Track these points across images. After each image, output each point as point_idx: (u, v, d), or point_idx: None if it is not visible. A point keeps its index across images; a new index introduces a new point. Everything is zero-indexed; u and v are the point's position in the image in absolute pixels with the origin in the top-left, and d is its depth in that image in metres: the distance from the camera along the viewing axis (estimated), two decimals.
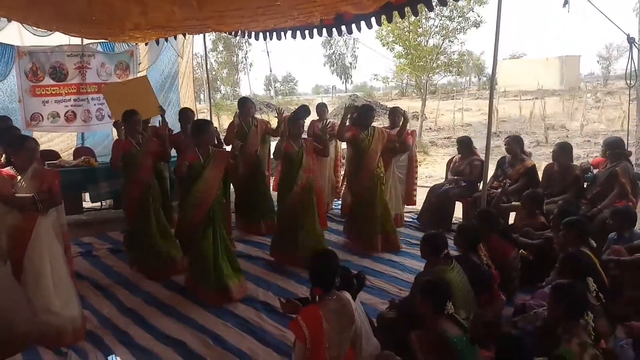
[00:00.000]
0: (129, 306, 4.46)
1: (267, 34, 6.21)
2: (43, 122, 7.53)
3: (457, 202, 6.50)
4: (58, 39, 7.22)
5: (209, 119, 7.66)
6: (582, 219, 4.26)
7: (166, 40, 7.16)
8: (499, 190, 5.72)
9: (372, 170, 5.58)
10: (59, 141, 8.03)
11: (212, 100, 10.84)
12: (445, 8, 15.20)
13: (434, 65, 16.99)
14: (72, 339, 3.75)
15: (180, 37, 7.45)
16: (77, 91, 7.77)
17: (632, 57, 5.58)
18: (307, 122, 7.46)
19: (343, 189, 7.05)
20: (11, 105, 7.20)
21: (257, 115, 7.15)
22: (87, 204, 7.29)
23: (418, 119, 18.24)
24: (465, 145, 6.58)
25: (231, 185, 5.65)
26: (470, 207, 6.12)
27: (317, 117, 7.33)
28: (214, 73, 38.20)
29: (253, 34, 6.37)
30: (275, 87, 35.15)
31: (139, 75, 8.08)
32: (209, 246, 4.45)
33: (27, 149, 3.63)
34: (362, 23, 4.91)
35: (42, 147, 5.63)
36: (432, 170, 12.14)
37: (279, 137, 5.36)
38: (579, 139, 15.58)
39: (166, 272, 5.03)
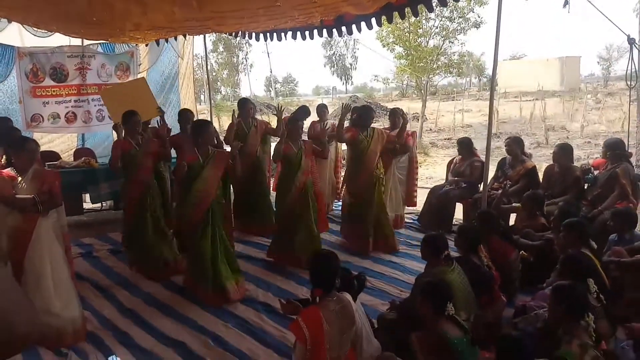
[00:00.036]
0: (129, 307, 4.46)
1: (268, 34, 6.21)
2: (43, 123, 7.53)
3: (457, 204, 6.50)
4: (58, 39, 7.22)
5: (209, 119, 7.66)
6: (582, 220, 4.26)
7: (166, 41, 7.16)
8: (500, 191, 5.72)
9: (371, 171, 5.58)
10: (59, 142, 8.03)
11: (212, 101, 10.84)
12: (445, 9, 15.23)
13: (434, 66, 17.01)
14: (72, 339, 3.76)
15: (180, 38, 7.45)
16: (78, 92, 7.76)
17: (632, 58, 5.58)
18: (308, 123, 7.48)
19: (343, 190, 7.05)
20: (12, 106, 7.20)
21: (258, 116, 7.15)
22: (87, 204, 7.29)
23: (418, 120, 18.24)
24: (465, 146, 6.58)
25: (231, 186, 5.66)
26: (470, 209, 6.12)
27: (318, 118, 7.35)
28: (214, 74, 38.24)
29: (253, 34, 6.37)
30: (275, 88, 35.19)
31: (139, 76, 8.08)
32: (208, 246, 4.45)
33: (27, 150, 3.63)
34: (363, 24, 4.91)
35: (42, 148, 5.64)
36: (432, 172, 12.14)
37: (279, 137, 5.36)
38: (580, 140, 15.58)
39: (164, 273, 5.04)
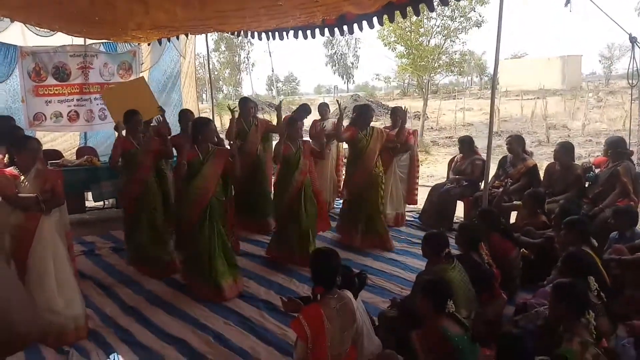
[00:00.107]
0: (131, 305, 4.48)
1: (269, 34, 6.23)
2: (46, 122, 7.56)
3: (458, 202, 6.51)
4: (61, 39, 7.25)
5: (211, 118, 7.68)
6: (583, 218, 4.27)
7: (169, 40, 7.18)
8: (501, 189, 5.73)
9: (370, 170, 5.59)
10: (61, 141, 8.06)
11: (214, 100, 10.86)
12: (446, 8, 15.24)
13: (435, 65, 17.02)
14: (74, 337, 3.77)
15: (182, 37, 7.47)
16: (80, 91, 7.79)
17: (634, 57, 5.57)
18: (309, 121, 7.50)
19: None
20: (14, 105, 7.24)
21: (260, 115, 7.17)
22: (89, 203, 7.32)
23: (420, 118, 18.23)
24: (466, 144, 6.58)
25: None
26: (471, 207, 6.12)
27: (319, 117, 7.36)
28: (216, 73, 38.33)
29: (255, 34, 6.39)
30: (277, 87, 35.17)
31: (141, 75, 8.10)
32: (205, 242, 4.48)
33: (30, 149, 3.64)
34: (364, 23, 4.92)
35: (45, 147, 5.65)
36: (433, 170, 12.14)
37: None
38: (581, 138, 15.57)
39: (163, 271, 5.06)
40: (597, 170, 5.47)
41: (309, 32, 5.77)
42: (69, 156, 7.54)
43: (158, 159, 5.43)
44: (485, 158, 5.31)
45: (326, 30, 5.53)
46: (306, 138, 5.88)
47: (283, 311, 3.62)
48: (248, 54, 42.10)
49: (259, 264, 5.38)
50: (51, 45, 7.39)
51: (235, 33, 6.95)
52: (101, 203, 7.52)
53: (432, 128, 20.67)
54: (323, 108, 7.44)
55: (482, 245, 3.98)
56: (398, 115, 6.34)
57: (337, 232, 6.07)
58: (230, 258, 4.66)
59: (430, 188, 6.85)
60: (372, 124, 5.75)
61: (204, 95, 27.89)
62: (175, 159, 5.35)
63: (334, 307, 2.85)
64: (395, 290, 4.63)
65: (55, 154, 7.27)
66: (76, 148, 8.01)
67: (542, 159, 10.84)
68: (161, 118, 5.87)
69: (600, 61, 50.11)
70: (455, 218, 6.49)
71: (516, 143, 6.06)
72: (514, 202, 5.63)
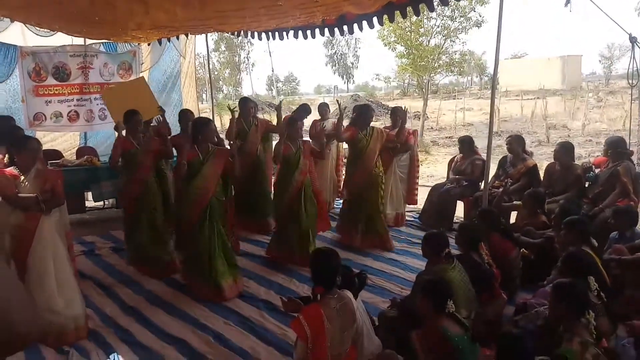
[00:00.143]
0: (131, 305, 4.47)
1: (269, 34, 6.23)
2: (46, 122, 7.56)
3: (458, 202, 6.51)
4: (61, 39, 7.25)
5: (210, 118, 7.68)
6: (583, 218, 4.27)
7: (169, 40, 7.18)
8: (501, 189, 5.73)
9: (370, 170, 5.59)
10: (61, 141, 8.06)
11: (214, 100, 10.86)
12: (446, 8, 15.24)
13: (435, 65, 17.03)
14: (74, 337, 3.77)
15: (182, 37, 7.47)
16: (80, 91, 7.79)
17: (634, 57, 5.57)
18: (309, 121, 7.49)
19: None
20: (14, 105, 7.24)
21: (260, 115, 7.17)
22: (89, 203, 7.32)
23: (420, 118, 18.24)
24: (466, 144, 6.58)
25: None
26: (471, 207, 6.12)
27: (320, 117, 7.36)
28: (216, 73, 38.32)
29: (255, 34, 6.39)
30: (277, 87, 35.17)
31: (141, 75, 8.10)
32: (205, 242, 4.48)
33: (29, 149, 3.64)
34: (364, 23, 4.92)
35: (45, 147, 5.65)
36: (433, 170, 12.14)
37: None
38: (581, 138, 15.57)
39: (163, 271, 5.06)
40: (597, 170, 5.47)
41: (309, 32, 5.77)
42: (69, 156, 7.54)
43: (158, 159, 5.43)
44: (485, 158, 5.31)
45: (326, 30, 5.53)
46: (306, 138, 5.88)
47: (283, 311, 3.62)
48: (248, 54, 42.14)
49: (259, 264, 5.38)
50: (51, 45, 7.39)
51: (235, 33, 6.96)
52: (101, 203, 7.52)
53: (432, 128, 20.67)
54: (323, 108, 7.45)
55: (482, 245, 3.97)
56: (398, 115, 6.34)
57: (337, 232, 6.07)
58: (230, 258, 4.66)
59: (430, 188, 6.85)
60: (372, 124, 5.75)
61: (204, 95, 27.90)
62: (175, 159, 5.36)
63: (334, 307, 2.85)
64: (395, 290, 4.63)
65: (55, 154, 7.27)
66: (76, 148, 8.01)
67: (542, 159, 10.84)
68: (161, 118, 5.87)
69: (600, 61, 50.19)
70: (455, 218, 6.49)
71: (516, 143, 6.05)
72: (514, 202, 5.63)
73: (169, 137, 5.57)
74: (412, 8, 4.40)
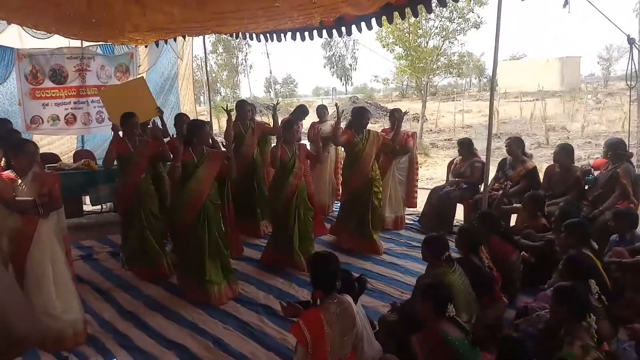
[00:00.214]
0: (130, 309, 4.45)
1: (267, 35, 6.21)
2: (43, 125, 7.53)
3: (458, 204, 6.49)
4: (58, 41, 7.22)
5: (208, 120, 7.67)
6: (583, 220, 4.25)
7: (166, 42, 7.15)
8: (500, 192, 5.71)
9: (366, 173, 5.58)
10: (59, 144, 8.02)
11: (212, 102, 10.84)
12: (445, 9, 15.22)
13: (434, 66, 17.02)
14: (73, 342, 3.75)
15: (180, 39, 7.44)
16: (77, 94, 7.76)
17: (632, 58, 5.57)
18: (308, 123, 7.48)
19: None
20: (11, 108, 7.20)
21: (257, 117, 7.14)
22: (87, 206, 7.28)
23: (418, 120, 18.23)
24: (466, 146, 6.57)
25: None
26: (471, 209, 6.11)
27: (318, 119, 7.34)
28: (213, 75, 38.25)
29: (253, 35, 6.37)
30: (275, 89, 35.17)
31: (140, 76, 8.07)
32: (199, 245, 4.45)
33: (27, 152, 3.61)
34: (362, 24, 4.91)
35: (42, 150, 5.63)
36: (432, 172, 12.13)
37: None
38: (580, 140, 15.57)
39: (158, 274, 5.04)
40: (596, 173, 5.47)
41: (307, 33, 5.75)
42: (66, 159, 7.52)
43: (154, 161, 5.41)
44: (484, 160, 5.30)
45: (324, 31, 5.52)
46: (305, 141, 5.87)
47: (283, 316, 3.60)
48: (246, 55, 42.16)
49: (258, 268, 5.35)
50: (48, 47, 7.36)
51: (233, 35, 6.94)
52: (99, 207, 7.49)
53: (431, 130, 20.68)
54: (321, 110, 7.42)
55: (482, 248, 3.96)
56: (396, 117, 6.33)
57: (330, 233, 6.07)
58: (225, 262, 4.63)
59: (429, 191, 6.83)
60: (371, 126, 5.73)
61: (202, 98, 27.86)
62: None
63: (334, 311, 2.83)
64: (395, 294, 4.61)
65: (53, 158, 7.24)
66: (73, 151, 7.97)
67: (542, 161, 10.83)
68: (159, 119, 5.84)
69: (598, 62, 50.34)
70: (455, 221, 6.47)
71: (515, 145, 6.04)
72: (514, 205, 5.62)
73: (166, 140, 5.54)
74: (411, 9, 4.39)
